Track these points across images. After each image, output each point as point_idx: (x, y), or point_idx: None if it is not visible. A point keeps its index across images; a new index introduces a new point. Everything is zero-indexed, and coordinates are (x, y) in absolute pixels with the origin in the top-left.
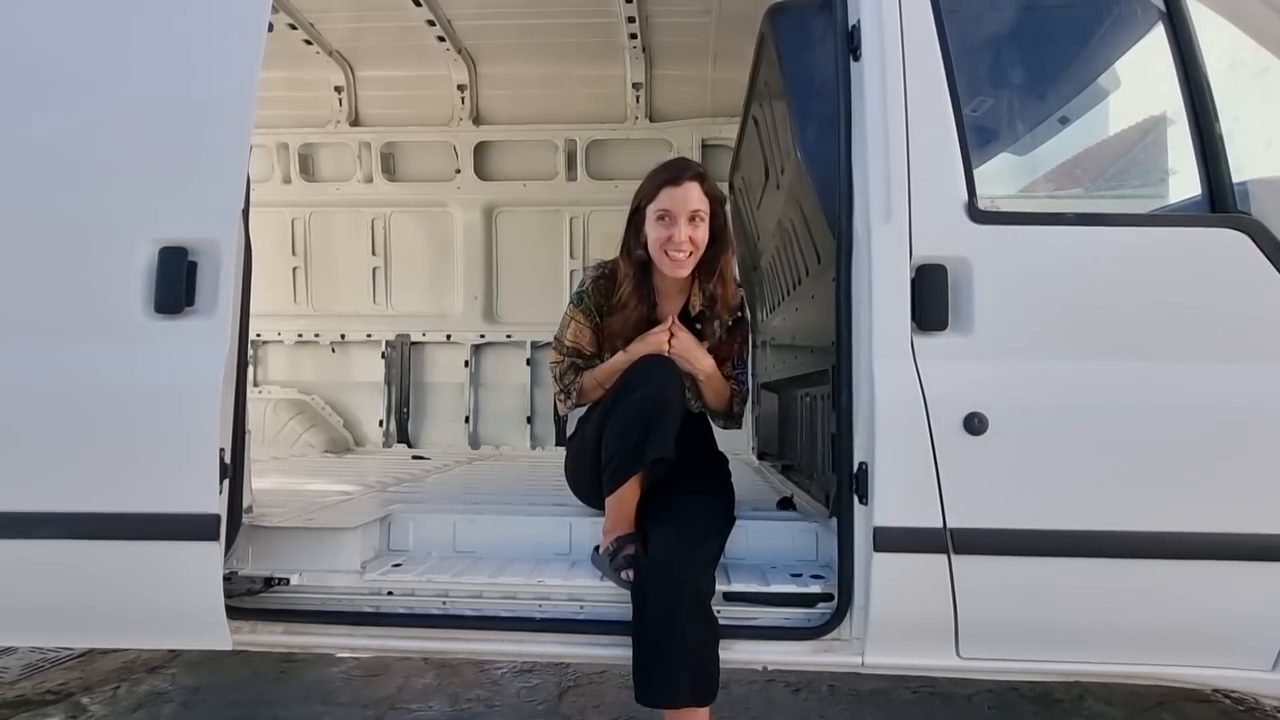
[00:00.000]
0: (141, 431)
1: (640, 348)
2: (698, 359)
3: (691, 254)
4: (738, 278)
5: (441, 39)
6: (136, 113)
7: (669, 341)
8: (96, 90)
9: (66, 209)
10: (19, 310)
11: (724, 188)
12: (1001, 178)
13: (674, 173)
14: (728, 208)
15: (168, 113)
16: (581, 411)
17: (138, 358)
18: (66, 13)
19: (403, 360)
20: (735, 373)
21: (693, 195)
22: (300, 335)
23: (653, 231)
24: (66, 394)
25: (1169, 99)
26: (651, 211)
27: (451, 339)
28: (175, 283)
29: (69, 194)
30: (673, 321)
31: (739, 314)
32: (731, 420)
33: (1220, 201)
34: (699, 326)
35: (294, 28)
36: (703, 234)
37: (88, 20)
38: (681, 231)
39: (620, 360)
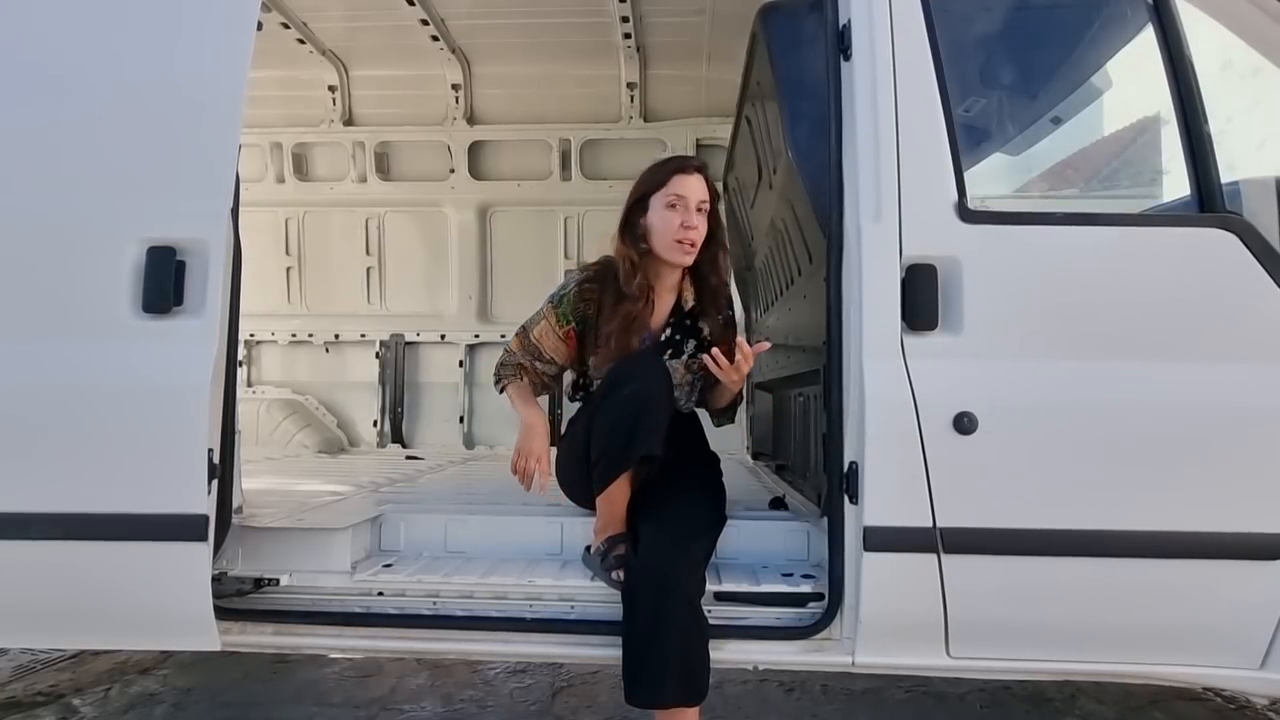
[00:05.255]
0: (129, 432)
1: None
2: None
3: (695, 243)
4: (728, 278)
5: (435, 38)
6: (124, 111)
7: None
8: (84, 88)
9: (53, 207)
10: (4, 310)
11: (718, 187)
12: (993, 178)
13: (682, 162)
14: (722, 207)
15: (156, 111)
16: (574, 410)
17: (125, 358)
18: (53, 10)
19: (397, 360)
20: None
21: (700, 186)
22: (294, 335)
23: (660, 219)
24: (53, 394)
25: (1160, 99)
26: (660, 199)
27: (446, 339)
28: (163, 282)
29: (56, 193)
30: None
31: (729, 310)
32: (726, 417)
33: (1209, 201)
34: (693, 323)
35: (287, 27)
36: (705, 226)
37: (74, 18)
38: (694, 216)
39: (526, 415)
